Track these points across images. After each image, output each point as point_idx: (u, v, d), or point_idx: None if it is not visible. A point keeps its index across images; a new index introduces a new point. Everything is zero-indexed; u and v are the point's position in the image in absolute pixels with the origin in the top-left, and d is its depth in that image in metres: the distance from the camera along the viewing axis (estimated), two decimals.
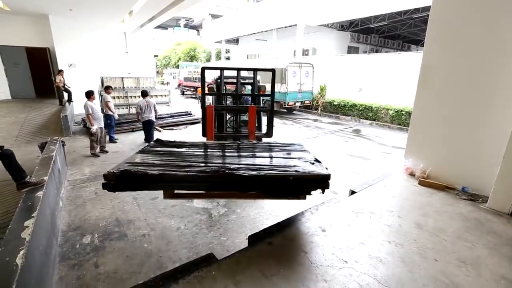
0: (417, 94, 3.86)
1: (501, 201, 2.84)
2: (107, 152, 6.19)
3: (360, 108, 10.96)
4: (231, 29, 22.65)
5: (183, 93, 22.03)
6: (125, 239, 3.10)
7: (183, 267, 1.88)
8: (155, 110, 6.65)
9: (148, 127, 6.64)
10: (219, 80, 4.39)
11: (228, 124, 4.68)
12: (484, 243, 2.24)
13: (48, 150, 4.24)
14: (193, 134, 8.27)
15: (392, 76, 10.83)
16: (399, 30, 19.81)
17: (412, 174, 3.81)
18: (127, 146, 6.84)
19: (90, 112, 5.76)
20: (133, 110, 9.66)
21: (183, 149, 2.95)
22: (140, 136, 7.61)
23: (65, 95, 9.46)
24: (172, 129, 8.86)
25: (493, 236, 2.34)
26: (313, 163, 2.40)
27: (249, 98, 5.01)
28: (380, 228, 2.46)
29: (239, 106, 4.25)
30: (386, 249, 2.15)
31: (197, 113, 10.14)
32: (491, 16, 3.09)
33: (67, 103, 9.11)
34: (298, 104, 12.13)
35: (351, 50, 20.00)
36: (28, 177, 2.88)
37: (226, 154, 2.91)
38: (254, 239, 2.22)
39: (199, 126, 9.06)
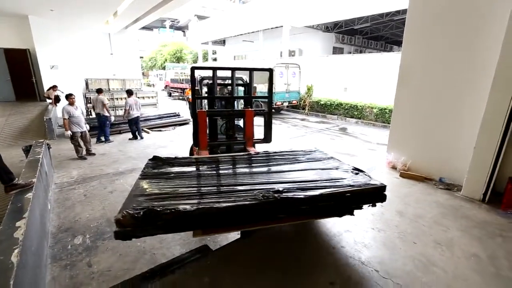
0: (397, 93, 4.09)
1: (473, 189, 3.08)
2: (94, 154, 6.11)
3: (346, 107, 11.28)
4: (217, 30, 22.64)
5: (170, 95, 21.80)
6: None
7: (179, 259, 1.95)
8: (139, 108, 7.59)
9: (137, 124, 7.47)
10: (209, 82, 3.96)
11: (220, 131, 4.18)
12: (458, 227, 2.44)
13: (34, 152, 4.15)
14: (182, 135, 8.26)
15: (375, 75, 11.22)
16: (382, 32, 20.50)
17: (394, 167, 4.03)
18: (115, 147, 6.76)
19: (66, 117, 5.66)
20: (119, 112, 9.55)
21: (194, 168, 2.50)
22: (127, 137, 7.56)
23: (48, 100, 9.23)
24: (160, 130, 8.81)
25: (466, 220, 2.56)
26: (357, 173, 2.17)
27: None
28: (365, 216, 2.62)
29: (234, 111, 3.76)
30: (370, 235, 2.30)
31: (185, 114, 10.13)
32: (461, 20, 3.34)
33: (49, 106, 8.87)
34: (285, 104, 12.33)
35: (336, 50, 20.48)
36: (16, 179, 2.85)
37: (251, 170, 2.42)
38: (246, 231, 2.31)
39: (187, 127, 9.07)
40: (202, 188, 1.95)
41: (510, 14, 2.65)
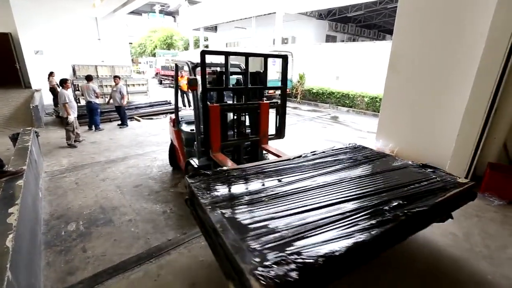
0: (387, 80, 4.16)
1: (455, 173, 3.22)
2: (81, 141, 6.07)
3: (338, 96, 11.36)
4: (209, 16, 22.05)
5: (161, 83, 21.41)
6: (111, 225, 3.15)
7: (174, 241, 2.02)
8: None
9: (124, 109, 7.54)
10: (218, 70, 3.44)
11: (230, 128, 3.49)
12: None
13: (22, 140, 4.08)
14: None
15: (368, 64, 11.28)
16: (375, 20, 20.40)
17: None
18: (106, 135, 6.69)
19: (67, 101, 5.61)
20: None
21: (263, 184, 1.96)
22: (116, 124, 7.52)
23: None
24: (151, 119, 8.72)
25: None
26: (433, 170, 2.04)
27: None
28: None
29: (249, 104, 3.24)
30: None
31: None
32: (450, 10, 3.38)
33: (35, 93, 8.61)
34: (278, 92, 12.31)
35: (329, 39, 20.35)
36: (6, 166, 2.82)
37: (330, 180, 1.97)
38: None
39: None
40: (312, 213, 1.52)
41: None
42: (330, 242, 1.27)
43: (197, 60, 3.21)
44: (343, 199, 1.67)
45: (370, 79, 10.90)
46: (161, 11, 37.94)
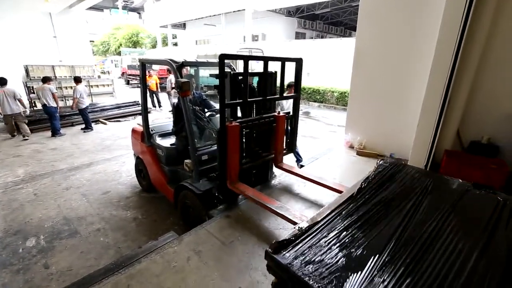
0: (352, 76, 4.33)
1: (417, 162, 3.47)
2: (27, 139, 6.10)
3: (309, 92, 11.65)
4: (177, 13, 21.31)
5: (128, 83, 20.33)
6: (77, 236, 2.95)
7: (145, 248, 1.94)
8: None
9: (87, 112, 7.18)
10: (232, 72, 2.76)
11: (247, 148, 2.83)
12: None
13: None
14: None
15: (336, 60, 11.69)
16: (341, 17, 21.21)
17: (351, 147, 4.34)
18: (68, 141, 6.21)
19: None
20: (69, 103, 8.71)
21: (378, 239, 1.21)
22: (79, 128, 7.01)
23: None
24: (119, 121, 8.27)
25: None
26: (493, 192, 1.55)
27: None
28: (325, 193, 2.81)
29: (265, 118, 2.75)
30: None
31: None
32: (406, 10, 3.60)
33: None
34: None
35: (299, 35, 20.76)
36: None
37: (430, 226, 1.28)
38: (213, 215, 2.36)
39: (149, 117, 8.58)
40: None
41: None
42: None
43: (173, 58, 2.75)
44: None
45: (339, 75, 11.32)
46: (124, 7, 35.86)
